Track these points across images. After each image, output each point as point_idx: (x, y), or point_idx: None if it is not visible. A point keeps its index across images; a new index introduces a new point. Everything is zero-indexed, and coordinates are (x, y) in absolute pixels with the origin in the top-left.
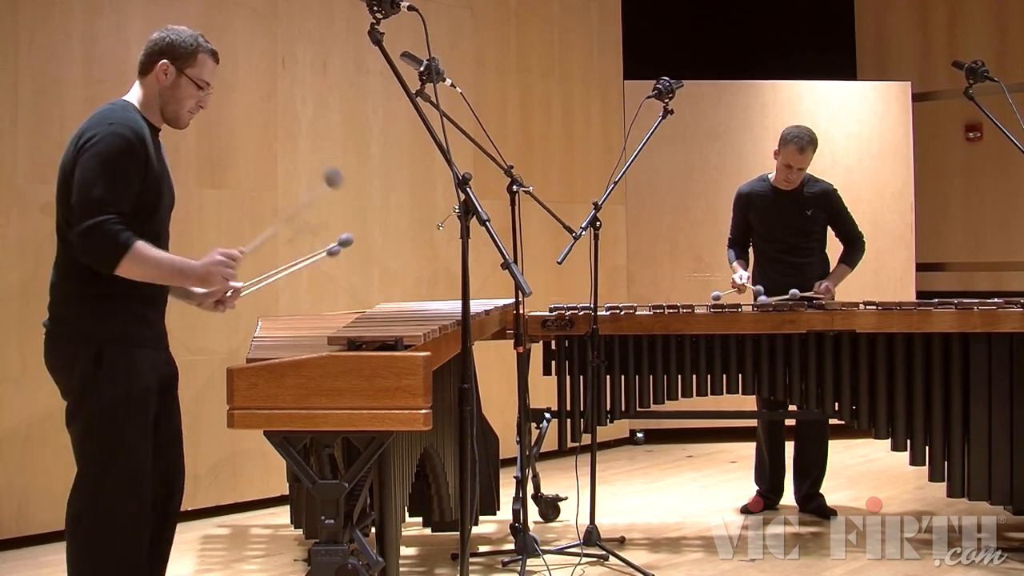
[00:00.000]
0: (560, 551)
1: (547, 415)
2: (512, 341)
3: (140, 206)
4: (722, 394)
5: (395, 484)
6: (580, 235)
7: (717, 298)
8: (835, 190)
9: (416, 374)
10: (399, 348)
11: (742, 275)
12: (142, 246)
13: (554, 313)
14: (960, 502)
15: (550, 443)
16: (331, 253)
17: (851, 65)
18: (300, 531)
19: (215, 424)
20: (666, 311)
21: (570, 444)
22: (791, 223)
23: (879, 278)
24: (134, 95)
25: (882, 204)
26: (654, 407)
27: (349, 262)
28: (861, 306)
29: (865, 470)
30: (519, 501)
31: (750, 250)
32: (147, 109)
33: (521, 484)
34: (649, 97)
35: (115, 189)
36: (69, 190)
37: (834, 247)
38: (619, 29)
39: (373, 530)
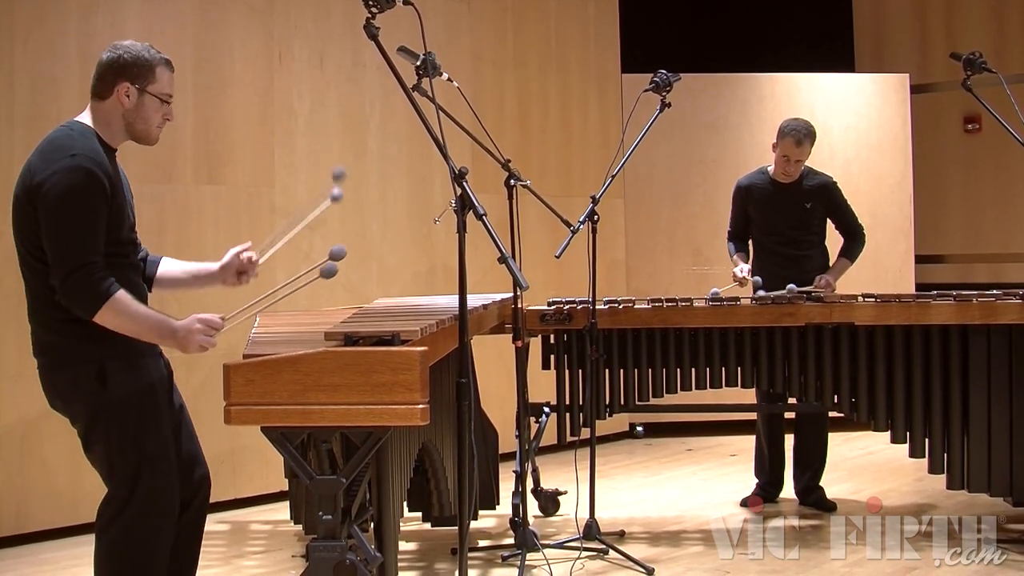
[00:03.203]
0: (560, 545)
1: (546, 409)
2: (511, 335)
3: (106, 230)
4: (721, 387)
5: (393, 479)
6: (578, 229)
7: (716, 295)
8: (834, 183)
9: (413, 369)
10: (396, 343)
11: (743, 268)
12: (123, 297)
13: (552, 307)
14: (960, 494)
15: (549, 437)
16: (329, 267)
17: (849, 57)
18: (299, 527)
19: (213, 420)
20: (665, 305)
21: (569, 438)
22: (790, 216)
23: (878, 270)
24: (89, 117)
25: (881, 196)
26: (653, 401)
27: (347, 257)
28: (860, 298)
29: (865, 462)
30: (519, 495)
31: (750, 242)
32: (106, 131)
33: (520, 478)
34: (647, 90)
35: (87, 229)
36: (31, 221)
37: (834, 240)
38: (616, 22)
39: (372, 525)
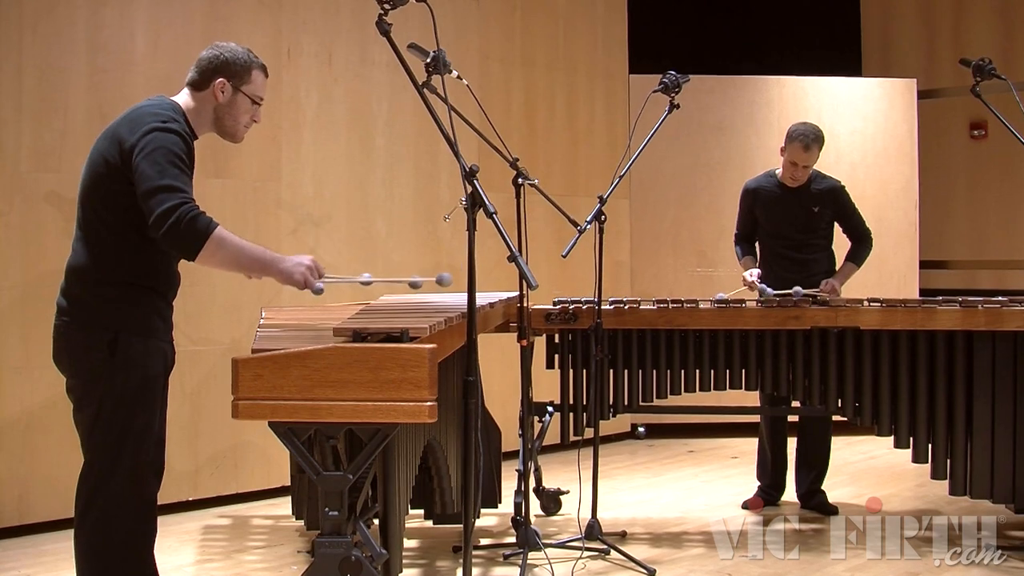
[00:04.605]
0: (561, 545)
1: (550, 408)
2: (515, 334)
3: None
4: (725, 389)
5: (399, 476)
6: (585, 229)
7: (721, 299)
8: (843, 187)
9: (422, 366)
10: (404, 340)
11: (753, 272)
12: (223, 232)
13: (558, 307)
14: (962, 500)
15: (552, 437)
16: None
17: (856, 61)
18: (301, 522)
19: (217, 414)
20: (670, 306)
21: (572, 438)
22: (797, 219)
23: (882, 275)
24: (184, 102)
25: (886, 201)
26: (656, 401)
27: (353, 253)
28: (865, 303)
29: (867, 467)
30: (521, 494)
31: (756, 245)
32: (195, 119)
33: (523, 477)
34: (656, 91)
35: (183, 177)
36: (115, 182)
37: (840, 243)
38: (624, 23)
39: (375, 522)
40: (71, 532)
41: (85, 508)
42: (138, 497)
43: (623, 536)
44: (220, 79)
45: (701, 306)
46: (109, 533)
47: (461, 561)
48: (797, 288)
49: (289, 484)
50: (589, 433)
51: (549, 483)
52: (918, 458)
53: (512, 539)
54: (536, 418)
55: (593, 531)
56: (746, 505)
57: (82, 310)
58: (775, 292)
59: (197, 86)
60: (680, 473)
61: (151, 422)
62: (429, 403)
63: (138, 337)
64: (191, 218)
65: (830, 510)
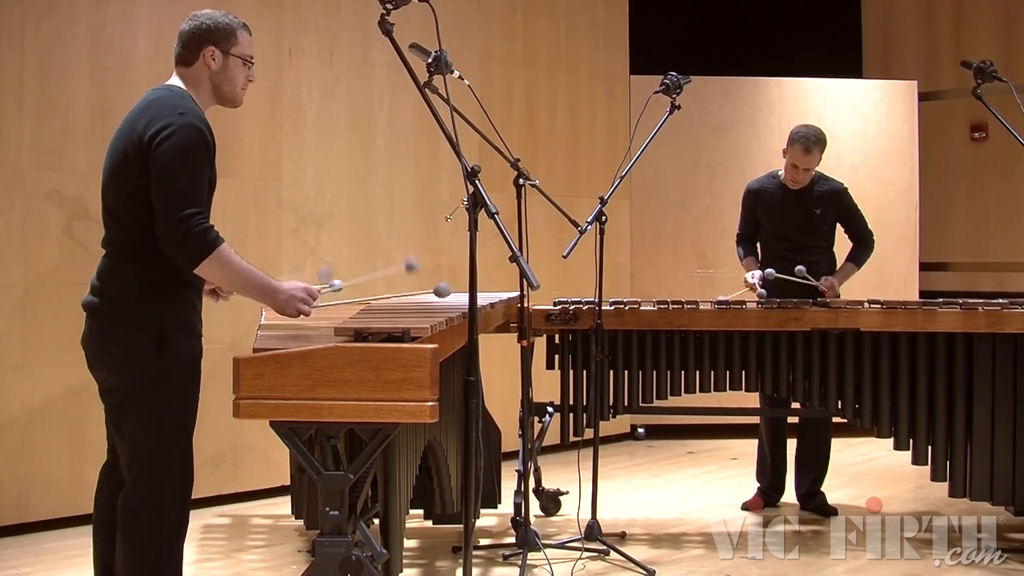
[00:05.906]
0: (561, 545)
1: (549, 409)
2: (515, 335)
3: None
4: (725, 391)
5: (399, 476)
6: (586, 229)
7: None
8: (845, 189)
9: (423, 366)
10: (406, 340)
11: (754, 274)
12: (227, 249)
13: (558, 307)
14: (961, 502)
15: (552, 437)
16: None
17: (857, 63)
18: (301, 522)
19: (217, 413)
20: (670, 307)
21: (572, 439)
22: (799, 221)
23: (882, 277)
24: (180, 83)
25: (886, 203)
26: (656, 402)
27: (353, 253)
28: (866, 304)
29: (866, 469)
30: (521, 495)
31: (758, 245)
32: (197, 97)
33: (523, 478)
34: (657, 92)
35: (197, 182)
36: (135, 176)
37: (841, 246)
38: (626, 23)
39: (375, 522)
40: (71, 531)
41: (141, 504)
42: (189, 489)
43: (622, 537)
44: (208, 47)
45: (701, 307)
46: (162, 526)
47: (461, 561)
48: (800, 267)
49: (289, 484)
50: (589, 434)
51: (549, 484)
52: (918, 460)
53: (512, 539)
54: (536, 418)
55: (593, 532)
56: (746, 506)
57: (125, 310)
58: (778, 275)
59: (186, 61)
60: (680, 474)
61: (195, 415)
62: (430, 403)
63: (182, 333)
64: (198, 232)
65: (829, 511)
